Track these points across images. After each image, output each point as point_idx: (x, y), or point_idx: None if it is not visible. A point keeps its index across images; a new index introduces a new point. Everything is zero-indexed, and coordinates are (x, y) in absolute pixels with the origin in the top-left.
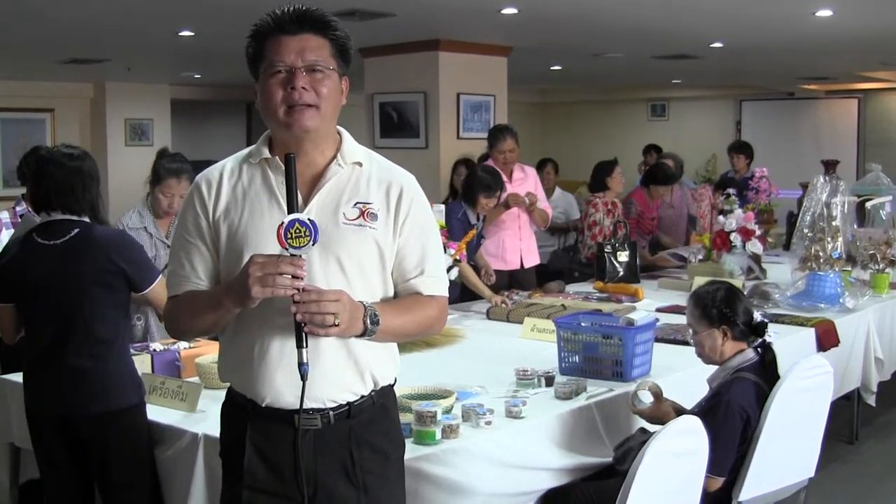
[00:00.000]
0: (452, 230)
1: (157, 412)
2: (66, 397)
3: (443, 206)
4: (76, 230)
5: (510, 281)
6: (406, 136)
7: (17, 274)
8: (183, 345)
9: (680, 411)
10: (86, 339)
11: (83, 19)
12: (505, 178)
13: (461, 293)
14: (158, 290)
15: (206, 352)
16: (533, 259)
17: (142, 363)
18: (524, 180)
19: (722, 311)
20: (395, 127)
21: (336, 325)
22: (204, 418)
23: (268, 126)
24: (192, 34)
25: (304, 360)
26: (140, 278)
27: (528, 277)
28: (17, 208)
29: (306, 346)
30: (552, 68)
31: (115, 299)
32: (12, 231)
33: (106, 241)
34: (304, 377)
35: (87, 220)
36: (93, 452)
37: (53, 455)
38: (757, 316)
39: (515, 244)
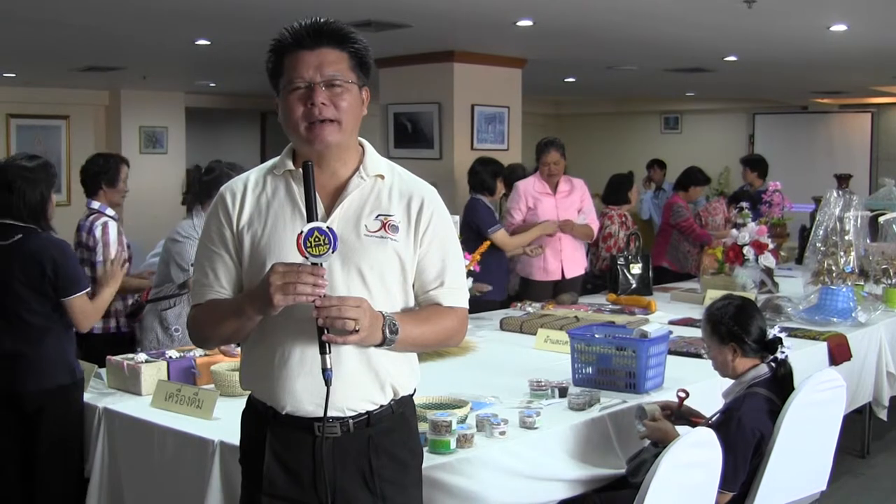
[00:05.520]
0: (484, 220)
1: (173, 419)
2: (6, 376)
3: (457, 217)
4: (19, 235)
5: (554, 291)
6: (420, 147)
7: None
8: (198, 352)
9: (694, 414)
10: (20, 328)
11: (99, 27)
12: (549, 189)
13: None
14: (78, 303)
15: (222, 359)
16: (576, 269)
17: (157, 370)
18: (570, 192)
19: (731, 328)
20: (409, 137)
21: (356, 332)
22: (220, 426)
23: (290, 140)
24: (208, 43)
25: (328, 366)
26: (61, 287)
27: (573, 287)
28: None
29: (329, 353)
30: (566, 80)
31: (45, 296)
32: None
33: (40, 249)
34: (328, 382)
35: (32, 226)
36: (26, 426)
37: None
38: (771, 332)
39: (556, 255)
